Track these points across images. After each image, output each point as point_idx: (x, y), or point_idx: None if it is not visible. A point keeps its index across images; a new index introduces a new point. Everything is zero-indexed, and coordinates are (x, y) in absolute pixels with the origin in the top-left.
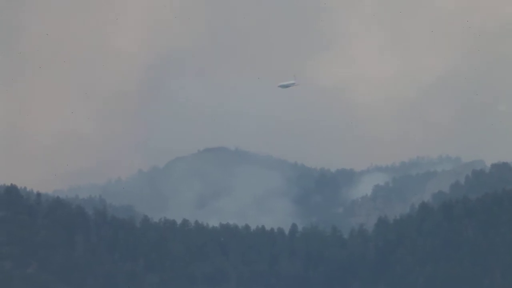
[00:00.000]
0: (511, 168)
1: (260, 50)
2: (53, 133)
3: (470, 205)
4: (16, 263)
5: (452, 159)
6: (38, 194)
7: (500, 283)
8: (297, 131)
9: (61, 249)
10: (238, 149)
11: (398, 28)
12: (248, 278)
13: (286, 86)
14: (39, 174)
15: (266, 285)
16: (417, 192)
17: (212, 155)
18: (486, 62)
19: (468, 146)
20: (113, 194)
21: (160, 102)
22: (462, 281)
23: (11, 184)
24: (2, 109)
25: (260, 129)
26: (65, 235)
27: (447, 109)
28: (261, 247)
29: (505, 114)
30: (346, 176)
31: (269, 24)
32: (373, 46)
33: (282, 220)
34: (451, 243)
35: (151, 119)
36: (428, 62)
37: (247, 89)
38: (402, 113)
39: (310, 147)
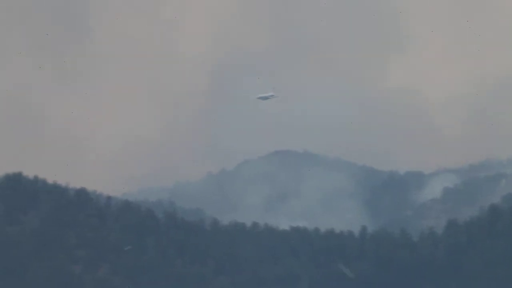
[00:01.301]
0: None
1: (327, 51)
2: (122, 136)
3: None
4: (87, 266)
5: None
6: (108, 197)
7: None
8: (365, 133)
9: (132, 252)
10: (306, 151)
11: (466, 28)
12: (319, 280)
13: (265, 98)
14: (109, 177)
15: None
16: (487, 194)
17: (281, 157)
18: None
19: None
20: (182, 197)
21: (228, 104)
22: None
23: (81, 187)
24: (70, 112)
25: (328, 131)
26: (135, 238)
27: None
28: (331, 249)
29: None
30: (415, 178)
31: (336, 25)
32: (440, 47)
33: (351, 222)
34: None
35: (219, 121)
36: (497, 62)
37: (315, 90)
38: (470, 114)
39: (379, 150)
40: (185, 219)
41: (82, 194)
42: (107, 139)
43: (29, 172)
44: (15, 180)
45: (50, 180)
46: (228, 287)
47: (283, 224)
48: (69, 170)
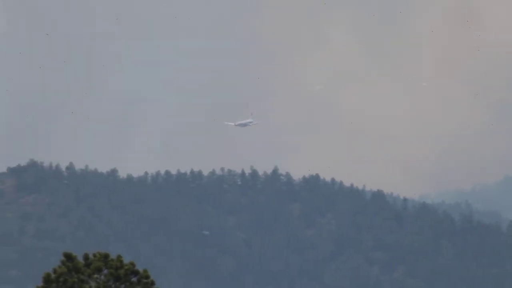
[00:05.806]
0: None
1: None
2: (417, 136)
3: None
4: (384, 268)
5: None
6: (405, 200)
7: None
8: None
9: (428, 254)
10: None
11: None
12: None
13: (244, 125)
14: (406, 179)
15: None
16: None
17: None
18: None
19: None
20: (479, 199)
21: None
22: None
23: (378, 189)
24: (368, 110)
25: None
26: (431, 240)
27: None
28: None
29: None
30: None
31: None
32: None
33: None
34: None
35: None
36: None
37: None
38: None
39: None
40: (482, 221)
41: (378, 197)
42: (399, 138)
43: (326, 174)
44: (313, 183)
45: (346, 182)
46: None
47: None
48: (366, 172)
